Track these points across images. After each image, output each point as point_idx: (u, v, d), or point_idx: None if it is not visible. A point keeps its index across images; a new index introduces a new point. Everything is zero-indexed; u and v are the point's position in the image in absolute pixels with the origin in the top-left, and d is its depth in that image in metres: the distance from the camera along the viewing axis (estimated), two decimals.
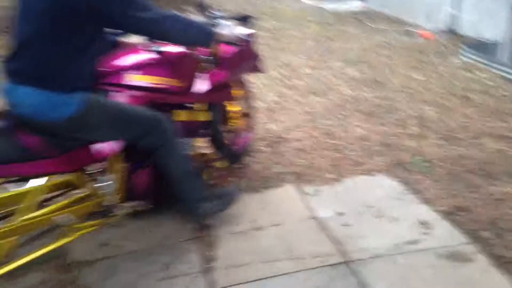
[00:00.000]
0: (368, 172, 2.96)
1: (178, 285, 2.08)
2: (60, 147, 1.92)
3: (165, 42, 2.15)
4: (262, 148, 3.26)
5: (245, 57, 2.60)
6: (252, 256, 2.23)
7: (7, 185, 2.07)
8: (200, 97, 2.38)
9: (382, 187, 2.80)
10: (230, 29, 2.14)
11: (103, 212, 2.19)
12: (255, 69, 2.78)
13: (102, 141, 2.04)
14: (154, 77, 2.16)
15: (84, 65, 1.89)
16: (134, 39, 2.31)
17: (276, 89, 4.38)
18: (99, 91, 2.03)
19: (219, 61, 2.36)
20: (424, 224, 2.45)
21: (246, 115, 3.01)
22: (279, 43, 6.21)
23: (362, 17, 8.14)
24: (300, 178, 2.89)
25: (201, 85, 2.36)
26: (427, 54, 5.61)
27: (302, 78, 4.76)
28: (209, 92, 2.39)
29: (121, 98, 2.07)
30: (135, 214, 2.33)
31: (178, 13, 1.95)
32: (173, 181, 2.24)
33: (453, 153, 3.17)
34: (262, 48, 5.69)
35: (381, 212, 2.55)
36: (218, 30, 2.08)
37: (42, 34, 1.77)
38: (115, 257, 2.25)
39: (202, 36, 2.05)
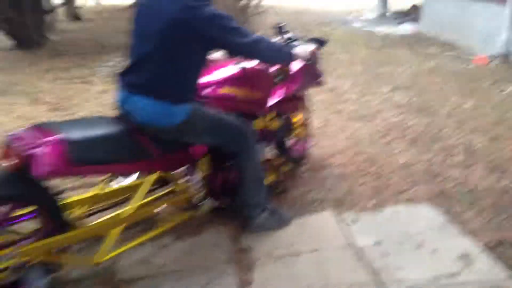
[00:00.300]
0: (410, 201, 2.94)
1: None
2: (165, 149, 2.28)
3: (253, 59, 2.48)
4: (303, 173, 3.31)
5: (310, 72, 2.96)
6: (287, 282, 2.27)
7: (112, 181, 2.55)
8: (272, 107, 2.75)
9: (424, 217, 2.77)
10: (304, 48, 2.48)
11: (190, 207, 2.56)
12: (318, 83, 3.15)
13: (201, 144, 2.45)
14: (240, 90, 2.51)
15: (192, 80, 2.23)
16: (216, 55, 2.68)
17: (320, 114, 4.42)
18: (198, 102, 2.36)
19: (287, 76, 2.75)
20: (465, 256, 2.40)
21: (305, 124, 3.36)
22: (326, 67, 6.25)
23: (413, 41, 8.06)
24: (339, 204, 2.91)
25: (273, 97, 2.75)
26: (479, 80, 5.49)
27: (348, 103, 4.79)
28: (279, 103, 2.77)
29: (214, 107, 2.40)
30: (212, 211, 2.65)
31: (265, 37, 2.26)
32: (245, 185, 2.52)
33: (499, 185, 3.09)
34: None
35: (421, 243, 2.52)
36: (295, 50, 2.43)
37: (157, 52, 2.08)
38: (157, 276, 2.34)
39: (285, 57, 2.42)
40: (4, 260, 1.91)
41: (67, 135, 1.95)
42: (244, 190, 2.55)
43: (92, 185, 2.70)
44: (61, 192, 2.24)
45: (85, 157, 1.99)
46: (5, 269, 1.93)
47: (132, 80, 2.16)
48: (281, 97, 2.77)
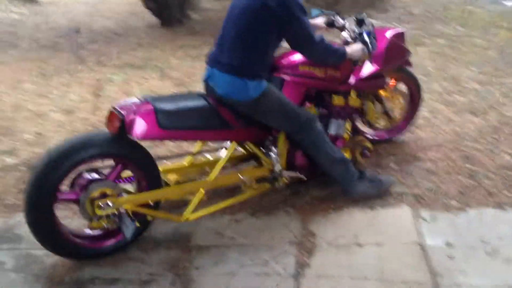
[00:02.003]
0: (499, 205, 2.74)
1: (269, 282, 2.30)
2: (244, 122, 2.59)
3: (309, 56, 2.62)
4: (391, 164, 3.25)
5: (394, 52, 3.03)
6: (343, 271, 2.33)
7: (206, 154, 2.99)
8: (353, 86, 2.88)
9: (509, 224, 2.57)
10: (357, 48, 2.66)
11: (270, 178, 2.81)
12: (406, 63, 3.24)
13: (269, 125, 2.65)
14: (318, 68, 2.70)
15: (268, 60, 2.50)
16: None
17: (430, 104, 4.21)
18: (277, 78, 2.68)
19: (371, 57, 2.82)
20: None
21: (397, 109, 3.41)
22: (455, 52, 5.85)
23: None
24: (421, 201, 2.83)
25: (354, 75, 2.89)
26: None
27: (464, 93, 4.47)
28: (361, 81, 2.90)
29: (292, 83, 2.68)
30: (290, 184, 2.89)
31: (324, 39, 2.49)
32: (325, 170, 2.74)
33: None
34: (432, 57, 5.50)
35: (495, 250, 2.38)
36: (348, 51, 2.61)
37: (241, 33, 2.38)
38: (225, 247, 2.58)
39: (338, 58, 2.61)
40: (104, 208, 2.31)
41: (159, 105, 2.37)
42: (331, 175, 2.76)
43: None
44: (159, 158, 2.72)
45: (172, 123, 2.38)
46: (106, 216, 2.33)
47: (216, 58, 2.50)
48: (363, 76, 2.90)
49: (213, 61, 2.52)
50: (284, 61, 2.72)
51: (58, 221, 2.35)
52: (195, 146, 2.98)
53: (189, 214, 2.56)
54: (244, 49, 2.40)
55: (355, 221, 2.70)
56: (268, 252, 2.50)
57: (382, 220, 2.69)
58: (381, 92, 3.24)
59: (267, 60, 2.50)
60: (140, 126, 2.28)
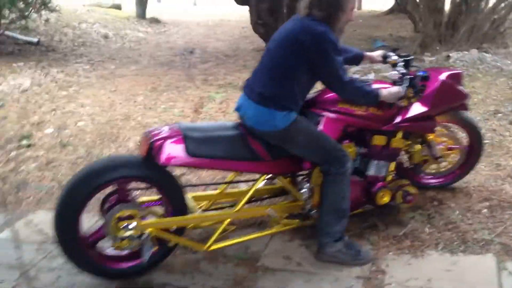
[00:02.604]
0: None
1: None
2: (274, 154, 2.53)
3: (341, 96, 2.58)
4: (481, 208, 3.02)
5: (448, 94, 2.88)
6: None
7: (240, 184, 2.97)
8: (397, 126, 2.73)
9: None
10: (394, 91, 2.56)
11: (301, 215, 2.74)
12: (461, 107, 3.04)
13: (299, 156, 2.56)
14: (358, 107, 2.61)
15: (299, 93, 2.47)
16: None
17: None
18: (314, 114, 2.62)
19: (420, 97, 2.70)
20: None
21: (450, 153, 3.18)
22: None
23: None
24: (508, 252, 2.59)
25: (400, 116, 2.74)
26: None
27: None
28: (406, 122, 2.74)
29: (329, 119, 2.60)
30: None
31: (356, 80, 2.50)
32: (324, 210, 2.56)
33: None
34: None
35: None
36: (382, 94, 2.52)
37: (273, 64, 2.44)
38: (293, 272, 2.57)
39: (370, 100, 2.54)
40: (128, 229, 2.33)
41: (189, 132, 2.41)
42: (322, 215, 2.58)
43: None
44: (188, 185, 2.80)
45: (200, 151, 2.40)
46: (129, 237, 2.34)
47: (249, 87, 2.52)
48: (408, 117, 2.74)
49: (246, 90, 2.55)
50: (323, 97, 2.66)
51: (83, 236, 2.39)
52: (229, 175, 2.92)
53: (211, 243, 2.54)
54: (273, 79, 2.42)
55: (431, 264, 2.55)
56: (334, 283, 2.45)
57: (461, 267, 2.51)
58: (431, 135, 3.04)
59: (299, 93, 2.46)
60: (167, 152, 2.32)
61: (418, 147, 2.98)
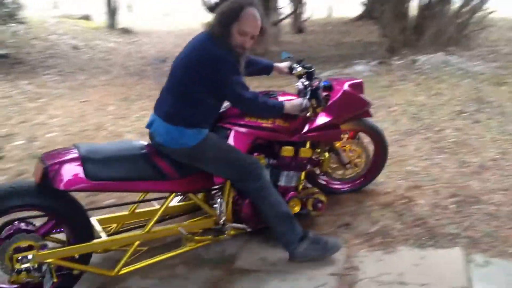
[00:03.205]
0: None
1: None
2: (182, 172, 2.48)
3: (247, 112, 2.63)
4: (448, 204, 3.12)
5: (350, 103, 2.97)
6: None
7: (154, 202, 2.76)
8: (303, 136, 2.79)
9: None
10: (296, 103, 2.62)
11: (215, 230, 2.68)
12: (365, 114, 3.14)
13: (211, 173, 2.56)
14: (265, 119, 2.66)
15: (208, 110, 2.49)
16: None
17: (500, 145, 4.00)
18: (222, 128, 2.64)
19: (324, 107, 2.80)
20: None
21: (360, 159, 3.28)
22: None
23: None
24: (475, 245, 2.68)
25: (306, 126, 2.80)
26: None
27: None
28: (313, 132, 2.80)
29: (238, 133, 2.63)
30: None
31: (259, 95, 2.54)
32: (270, 223, 2.59)
33: None
34: None
35: None
36: (286, 106, 2.59)
37: (176, 84, 2.45)
38: (268, 272, 2.60)
39: (275, 113, 2.61)
40: (24, 261, 2.15)
41: (87, 154, 2.29)
42: (272, 228, 2.61)
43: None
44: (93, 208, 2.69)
45: (100, 173, 2.27)
46: (26, 270, 2.16)
47: (158, 106, 2.53)
48: (314, 127, 2.81)
49: (156, 108, 2.53)
50: (230, 111, 2.68)
51: None
52: (140, 194, 2.76)
53: (120, 267, 2.41)
54: (178, 99, 2.42)
55: (402, 259, 2.62)
56: (308, 282, 2.49)
57: (431, 261, 2.58)
58: (338, 143, 3.15)
59: (207, 110, 2.48)
60: (63, 177, 2.18)
61: (326, 155, 3.06)
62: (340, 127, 2.96)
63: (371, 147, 3.37)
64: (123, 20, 14.32)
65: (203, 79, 2.36)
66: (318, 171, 3.19)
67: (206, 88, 2.39)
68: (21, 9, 8.25)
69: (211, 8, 9.44)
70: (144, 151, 2.46)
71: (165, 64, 8.82)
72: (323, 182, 3.26)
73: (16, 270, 2.15)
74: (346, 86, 2.97)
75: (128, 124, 5.27)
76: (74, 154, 2.28)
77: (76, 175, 2.21)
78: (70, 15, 14.01)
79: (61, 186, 2.17)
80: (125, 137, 4.83)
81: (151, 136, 2.53)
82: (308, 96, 2.68)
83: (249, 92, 2.48)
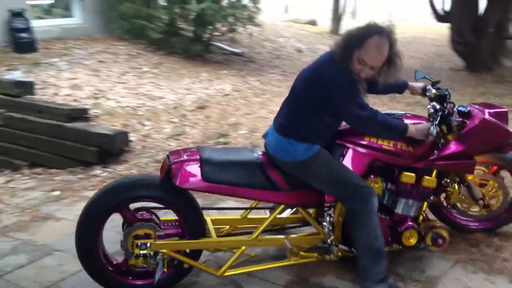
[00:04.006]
0: None
1: None
2: (293, 184, 2.45)
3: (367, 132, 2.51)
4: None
5: (488, 134, 2.67)
6: None
7: (266, 210, 2.83)
8: (428, 164, 2.56)
9: None
10: (424, 127, 2.45)
11: (321, 248, 2.59)
12: (508, 147, 2.82)
13: (320, 189, 2.47)
14: (387, 140, 2.49)
15: (323, 129, 2.43)
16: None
17: None
18: (339, 145, 2.53)
19: (457, 134, 2.59)
20: None
21: (495, 196, 2.93)
22: None
23: None
24: None
25: (433, 153, 2.58)
26: None
27: None
28: (439, 160, 2.57)
29: (355, 152, 2.50)
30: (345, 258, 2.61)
31: (380, 113, 2.39)
32: (359, 253, 2.43)
33: None
34: None
35: None
36: (411, 129, 2.42)
37: (294, 99, 2.44)
38: None
39: (397, 134, 2.46)
40: (143, 248, 2.36)
41: (207, 157, 2.40)
42: (359, 259, 2.44)
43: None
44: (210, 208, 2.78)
45: (216, 176, 2.37)
46: (144, 256, 2.37)
47: (276, 118, 2.51)
48: (442, 155, 2.57)
49: (274, 120, 2.53)
50: (350, 129, 2.54)
51: (101, 248, 2.44)
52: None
53: (226, 269, 2.49)
54: (293, 112, 2.40)
55: None
56: None
57: None
58: (471, 176, 2.78)
59: (322, 128, 2.41)
60: (183, 175, 2.32)
61: (456, 187, 2.80)
62: (475, 158, 2.67)
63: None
64: (346, 25, 14.66)
65: (319, 95, 2.31)
66: (445, 204, 2.94)
67: (321, 105, 2.33)
68: (259, 13, 9.10)
69: (441, 18, 8.98)
70: (259, 160, 2.50)
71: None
72: (450, 217, 3.01)
73: (135, 254, 2.37)
74: (486, 114, 2.68)
75: None
76: (195, 155, 2.43)
77: (193, 175, 2.35)
78: (298, 20, 14.93)
79: (179, 183, 2.32)
80: None
81: (266, 146, 2.55)
82: (437, 122, 2.47)
83: (368, 110, 2.36)
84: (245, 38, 10.02)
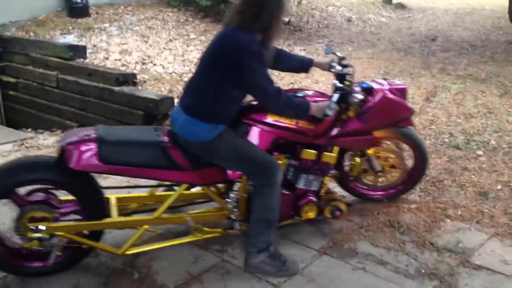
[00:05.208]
0: None
1: None
2: (195, 164, 2.39)
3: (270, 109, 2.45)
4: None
5: (387, 110, 2.70)
6: None
7: (175, 187, 2.67)
8: (329, 141, 2.60)
9: None
10: (325, 106, 2.40)
11: (226, 225, 2.60)
12: (407, 123, 2.88)
13: (225, 168, 2.45)
14: (287, 118, 2.47)
15: (227, 105, 2.35)
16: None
17: None
18: (243, 123, 2.48)
19: (355, 112, 2.61)
20: None
21: (394, 168, 3.03)
22: None
23: None
24: None
25: (333, 131, 2.59)
26: None
27: None
28: (340, 137, 2.61)
29: (258, 131, 2.47)
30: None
31: (282, 92, 2.32)
32: (252, 220, 2.43)
33: None
34: None
35: None
36: (312, 108, 2.40)
37: (200, 75, 2.35)
38: (507, 277, 2.39)
39: (299, 113, 2.43)
40: (37, 231, 2.23)
41: (104, 137, 2.26)
42: (250, 225, 2.46)
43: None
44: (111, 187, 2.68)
45: (114, 158, 2.24)
46: (39, 239, 2.25)
47: (182, 98, 2.42)
48: (341, 132, 2.61)
49: (180, 99, 2.44)
50: (252, 107, 2.51)
51: None
52: None
53: (127, 248, 2.40)
54: (199, 92, 2.34)
55: None
56: None
57: None
58: (371, 150, 2.90)
59: (227, 104, 2.34)
60: (77, 157, 2.18)
61: (357, 160, 2.91)
62: (374, 134, 2.73)
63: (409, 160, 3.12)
64: None
65: (231, 62, 2.23)
66: (349, 176, 3.04)
67: (231, 75, 2.25)
68: None
69: None
70: (161, 139, 2.40)
71: (435, 43, 8.44)
72: (354, 188, 3.11)
73: (29, 238, 2.26)
74: (386, 90, 2.70)
75: None
76: (92, 135, 2.29)
77: (89, 156, 2.22)
78: None
79: (74, 166, 2.18)
80: None
81: (171, 125, 2.47)
82: (335, 99, 2.45)
83: (273, 87, 2.30)
84: (293, 6, 9.90)
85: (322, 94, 2.65)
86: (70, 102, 5.32)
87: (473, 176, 3.48)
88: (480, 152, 3.89)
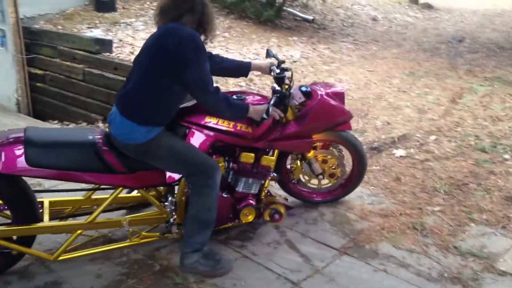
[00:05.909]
0: None
1: None
2: (131, 167, 2.31)
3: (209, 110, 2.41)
4: None
5: (324, 114, 2.70)
6: None
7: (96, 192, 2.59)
8: (268, 144, 2.57)
9: None
10: (263, 109, 2.37)
11: (163, 228, 2.54)
12: (345, 127, 2.89)
13: (164, 170, 2.40)
14: (227, 122, 2.45)
15: (165, 107, 2.28)
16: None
17: None
18: (181, 126, 2.43)
19: (293, 115, 2.63)
20: None
21: (333, 170, 3.00)
22: None
23: None
24: None
25: (272, 134, 2.57)
26: None
27: None
28: (277, 141, 2.58)
29: (196, 134, 2.43)
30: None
31: (219, 91, 2.27)
32: (188, 219, 2.39)
33: None
34: None
35: None
36: (250, 110, 2.37)
37: (138, 76, 2.24)
38: None
39: (236, 115, 2.39)
40: None
41: (33, 139, 2.16)
42: (186, 225, 2.42)
43: None
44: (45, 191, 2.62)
45: (43, 161, 2.14)
46: None
47: (119, 96, 2.32)
48: (280, 135, 2.59)
49: (117, 100, 2.33)
50: (190, 110, 2.46)
51: None
52: None
53: (60, 253, 2.30)
54: (138, 93, 2.24)
55: None
56: None
57: None
58: (311, 153, 2.89)
59: (167, 103, 2.28)
60: (4, 160, 2.07)
61: (298, 163, 2.92)
62: (312, 137, 2.74)
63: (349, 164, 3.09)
64: None
65: (168, 60, 2.16)
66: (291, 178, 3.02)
67: (170, 71, 2.18)
68: None
69: None
70: (93, 141, 2.29)
71: (461, 44, 8.30)
72: (296, 190, 3.07)
73: None
74: (323, 95, 2.70)
75: (408, 99, 5.24)
76: (20, 137, 2.18)
77: (15, 159, 2.11)
78: None
79: (0, 169, 2.07)
80: (403, 111, 4.85)
81: (109, 126, 2.37)
82: (272, 103, 2.41)
83: (213, 86, 2.25)
84: (318, 5, 9.84)
85: (262, 97, 2.65)
86: (96, 95, 5.40)
87: (499, 180, 3.41)
88: (507, 156, 3.82)
